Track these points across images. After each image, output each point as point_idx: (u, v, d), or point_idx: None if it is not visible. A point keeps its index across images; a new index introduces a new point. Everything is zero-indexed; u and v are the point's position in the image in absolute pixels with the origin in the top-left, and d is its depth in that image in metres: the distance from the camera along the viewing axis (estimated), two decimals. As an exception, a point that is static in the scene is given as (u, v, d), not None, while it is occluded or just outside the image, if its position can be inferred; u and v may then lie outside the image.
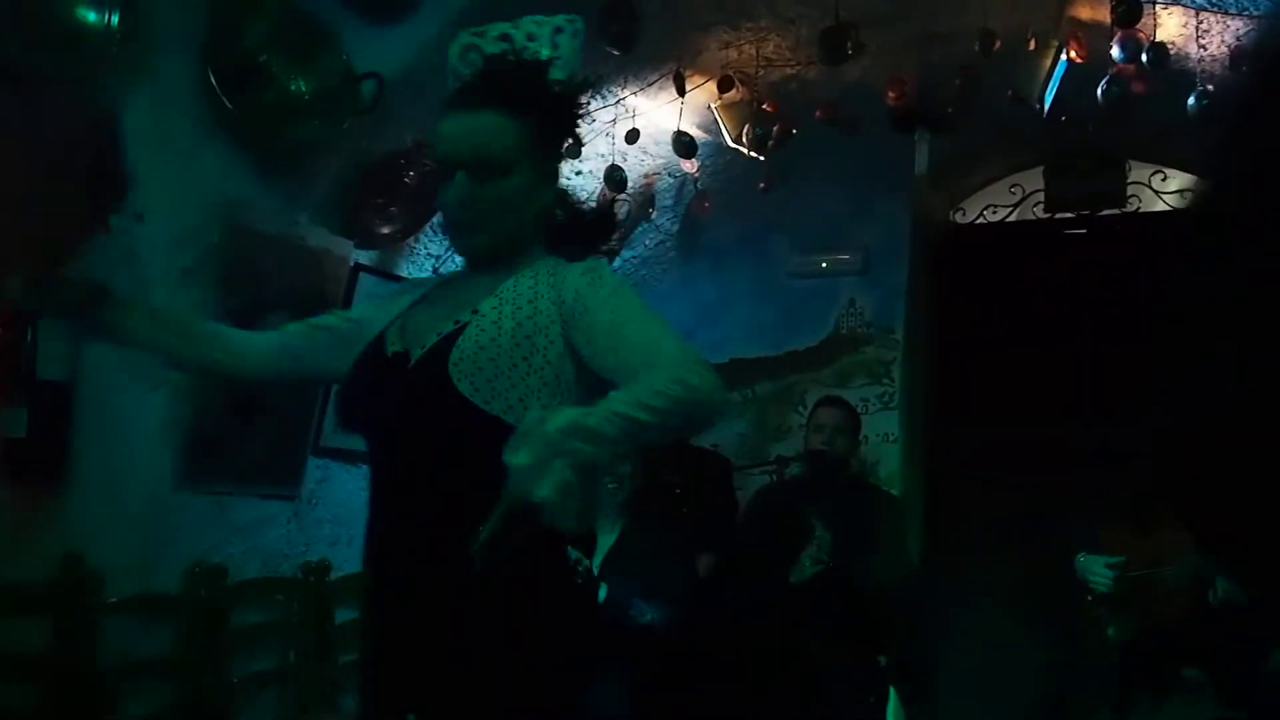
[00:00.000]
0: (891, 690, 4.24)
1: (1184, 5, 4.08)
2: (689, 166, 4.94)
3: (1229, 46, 4.17)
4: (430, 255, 4.41)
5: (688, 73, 4.47)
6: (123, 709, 3.26)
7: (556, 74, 1.94)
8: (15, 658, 2.98)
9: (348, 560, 4.16)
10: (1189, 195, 4.33)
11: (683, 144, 4.76)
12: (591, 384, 1.81)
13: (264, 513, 3.84)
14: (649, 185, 5.26)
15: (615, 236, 2.12)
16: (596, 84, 3.36)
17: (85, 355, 3.06)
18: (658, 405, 1.62)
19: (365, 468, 4.14)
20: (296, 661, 3.90)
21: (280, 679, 3.87)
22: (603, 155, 4.74)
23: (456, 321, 1.87)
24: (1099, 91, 4.11)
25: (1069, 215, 5.39)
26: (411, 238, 4.22)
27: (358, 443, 4.08)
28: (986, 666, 4.81)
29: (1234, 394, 1.02)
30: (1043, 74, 4.29)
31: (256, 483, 3.79)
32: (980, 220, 5.57)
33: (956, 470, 5.15)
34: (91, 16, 2.81)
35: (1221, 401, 1.04)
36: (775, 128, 4.51)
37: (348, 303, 3.78)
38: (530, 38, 1.96)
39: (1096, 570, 3.82)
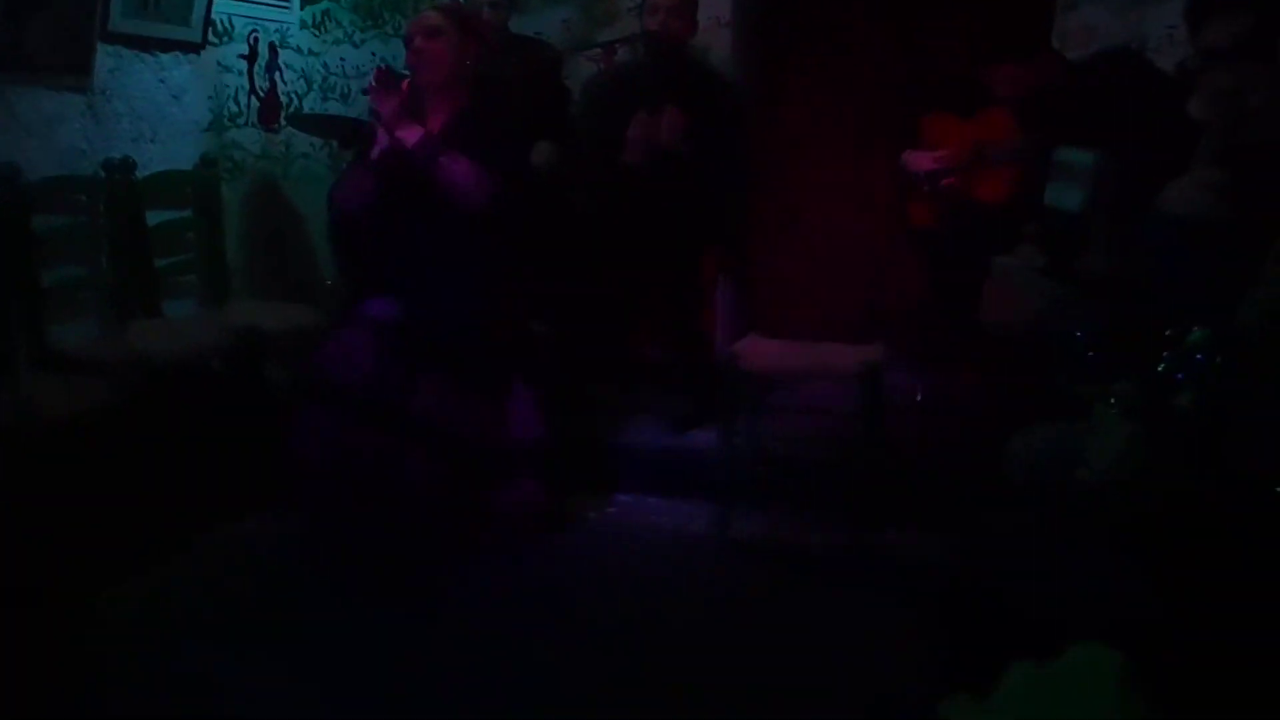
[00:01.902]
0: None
1: None
2: None
3: None
4: None
5: None
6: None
7: None
8: None
9: (152, 158, 3.87)
10: None
11: None
12: None
13: (55, 108, 3.47)
14: None
15: None
16: None
17: None
18: None
19: (161, 57, 3.83)
20: (110, 267, 3.69)
21: (94, 285, 3.66)
22: None
23: None
24: None
25: None
26: None
27: (152, 28, 3.75)
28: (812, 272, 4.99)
29: None
30: None
31: (39, 71, 3.39)
32: None
33: (790, 60, 5.06)
34: None
35: None
36: None
37: None
38: None
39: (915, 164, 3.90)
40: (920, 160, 3.93)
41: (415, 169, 3.20)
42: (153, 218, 3.83)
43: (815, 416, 3.66)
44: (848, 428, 3.38)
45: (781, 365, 3.57)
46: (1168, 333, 1.45)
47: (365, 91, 3.27)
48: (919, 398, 3.85)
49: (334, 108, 4.82)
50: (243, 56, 4.29)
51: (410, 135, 3.20)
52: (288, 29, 4.52)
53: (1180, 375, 1.38)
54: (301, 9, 4.58)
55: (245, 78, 4.32)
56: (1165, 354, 1.42)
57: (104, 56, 3.62)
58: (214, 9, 4.01)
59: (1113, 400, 1.45)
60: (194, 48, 4.01)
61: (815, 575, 3.23)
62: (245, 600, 2.98)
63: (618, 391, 4.27)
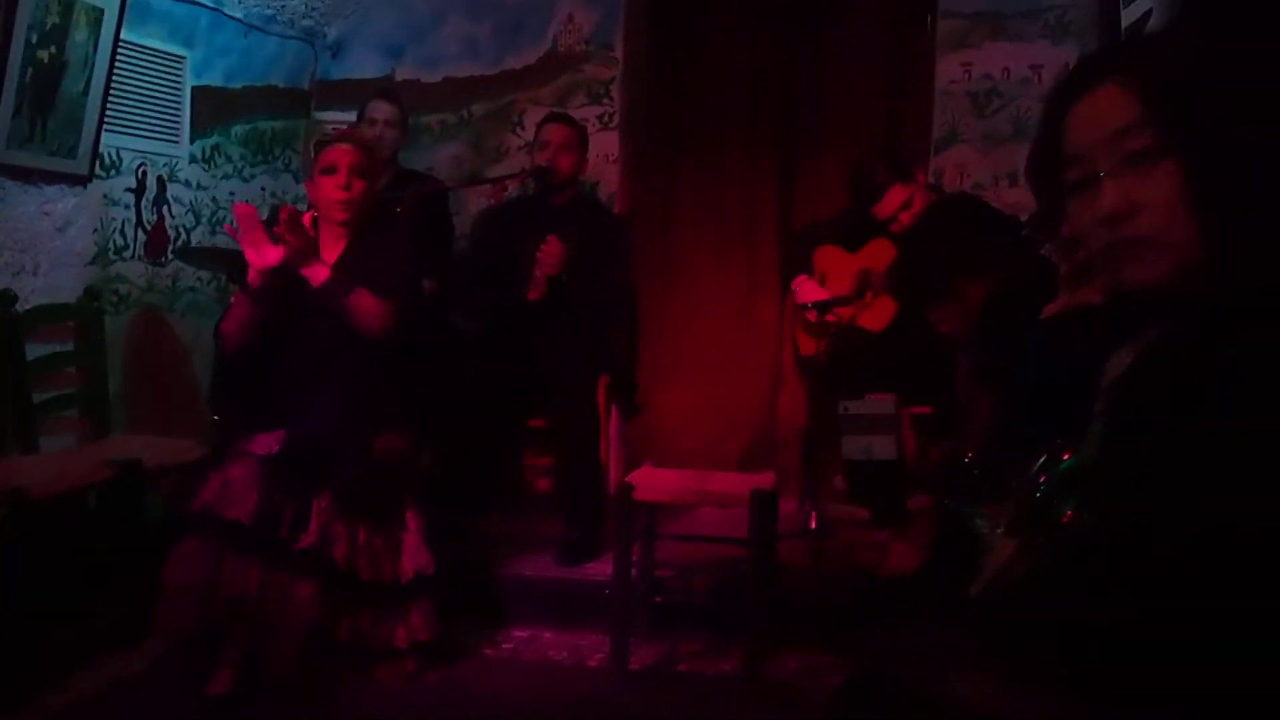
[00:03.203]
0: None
1: None
2: None
3: None
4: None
5: None
6: None
7: None
8: None
9: (34, 291, 3.80)
10: None
11: None
12: None
13: (-69, 238, 3.40)
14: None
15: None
16: None
17: None
18: None
19: (46, 189, 3.79)
20: (-14, 399, 3.58)
21: (-32, 419, 3.55)
22: None
23: None
24: None
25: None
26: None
27: (38, 159, 3.71)
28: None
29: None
30: None
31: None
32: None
33: (679, 190, 5.23)
34: None
35: None
36: None
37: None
38: None
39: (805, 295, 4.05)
40: (809, 290, 4.07)
41: (314, 302, 3.21)
42: (32, 350, 3.74)
43: (709, 545, 3.68)
44: (741, 554, 3.40)
45: (675, 494, 3.61)
46: (1041, 459, 1.51)
47: (246, 229, 3.18)
48: (812, 525, 3.91)
49: (222, 241, 4.80)
50: (130, 190, 4.27)
51: (317, 274, 3.22)
52: (177, 163, 4.52)
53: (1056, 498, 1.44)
54: (191, 143, 4.60)
55: (132, 211, 4.29)
56: (1041, 480, 1.49)
57: (-14, 188, 3.57)
58: (102, 142, 4.00)
59: (995, 521, 1.51)
60: (81, 180, 3.98)
61: (715, 702, 3.21)
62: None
63: (507, 522, 4.24)
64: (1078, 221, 1.28)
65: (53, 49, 3.67)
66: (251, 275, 3.21)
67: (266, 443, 3.15)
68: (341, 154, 3.37)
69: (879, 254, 4.00)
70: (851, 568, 3.61)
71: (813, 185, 5.02)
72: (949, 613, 1.42)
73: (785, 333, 4.85)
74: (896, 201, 3.89)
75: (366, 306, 3.25)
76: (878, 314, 3.96)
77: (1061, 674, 1.17)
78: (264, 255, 3.18)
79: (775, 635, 3.41)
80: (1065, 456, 1.49)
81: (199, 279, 4.65)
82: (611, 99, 5.06)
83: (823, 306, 3.99)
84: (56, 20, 3.66)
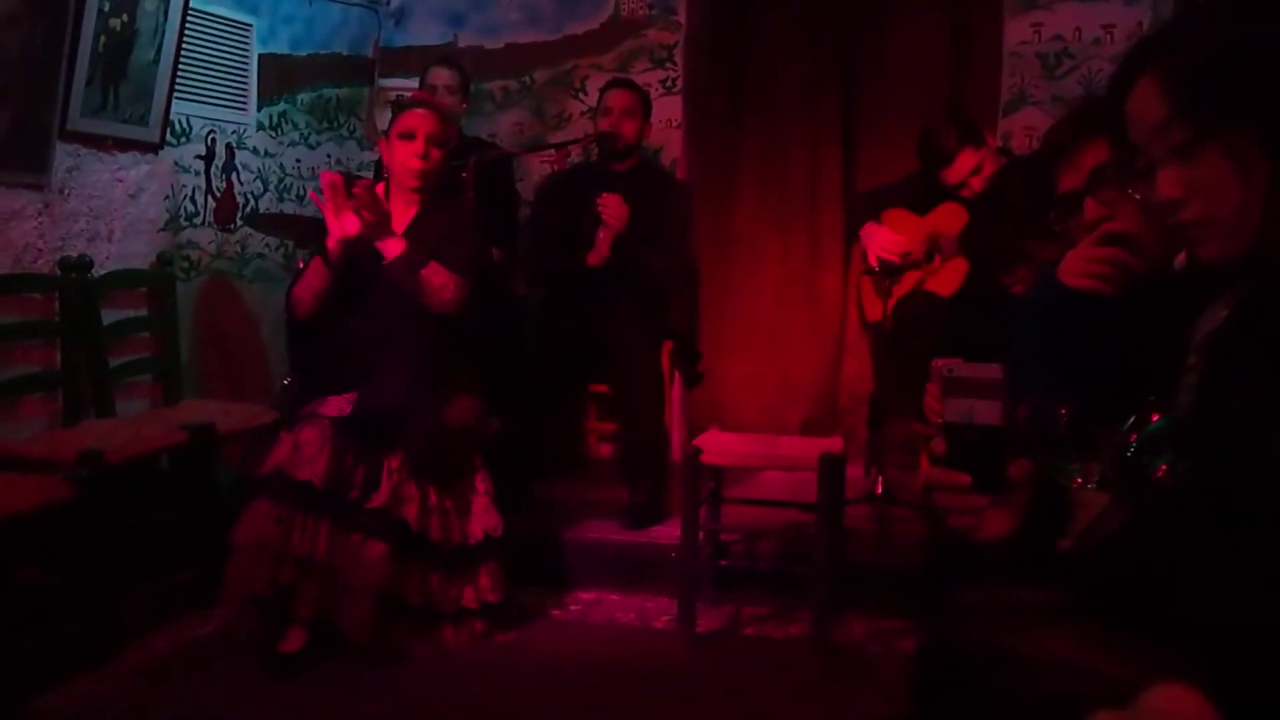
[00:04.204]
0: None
1: None
2: None
3: None
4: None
5: None
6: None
7: None
8: None
9: (108, 257, 3.86)
10: None
11: None
12: None
13: (11, 205, 3.46)
14: None
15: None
16: None
17: None
18: None
19: (119, 156, 3.84)
20: (64, 365, 3.64)
21: (47, 384, 3.61)
22: None
23: None
24: None
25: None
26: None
27: (110, 127, 3.76)
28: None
29: None
30: None
31: (-1, 169, 3.40)
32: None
33: (741, 156, 5.19)
34: None
35: None
36: None
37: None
38: None
39: (880, 243, 3.99)
40: (883, 238, 3.99)
41: (388, 274, 3.24)
42: (107, 316, 3.80)
43: (774, 510, 3.67)
44: (807, 519, 3.39)
45: (743, 457, 3.61)
46: (1130, 420, 1.49)
47: (331, 198, 3.20)
48: (878, 490, 3.89)
49: (289, 208, 4.85)
50: (200, 157, 4.32)
51: (391, 248, 3.24)
52: (245, 130, 4.56)
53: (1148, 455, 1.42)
54: (258, 111, 4.64)
55: (202, 178, 4.34)
56: (1131, 440, 1.47)
57: (62, 155, 3.62)
58: (172, 110, 4.05)
59: (1086, 477, 1.49)
60: (152, 148, 4.03)
61: (783, 666, 3.21)
62: (196, 697, 2.91)
63: (570, 487, 4.27)
64: (1145, 208, 1.35)
65: (124, 18, 3.71)
66: (331, 242, 3.24)
67: (338, 404, 3.19)
68: (420, 121, 3.37)
69: (948, 217, 3.95)
70: (918, 534, 3.59)
71: (877, 149, 4.96)
72: (1036, 573, 1.41)
73: (850, 298, 4.81)
74: (967, 167, 3.82)
75: (439, 282, 3.28)
76: (947, 278, 3.91)
77: (1152, 626, 1.16)
78: (345, 224, 3.20)
79: (842, 600, 3.40)
80: (1155, 418, 1.46)
81: (267, 245, 4.70)
82: (674, 64, 5.02)
83: (890, 269, 3.93)
84: (128, -13, 3.70)
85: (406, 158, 3.36)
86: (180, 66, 4.02)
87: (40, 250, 3.58)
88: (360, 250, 3.25)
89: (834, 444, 3.43)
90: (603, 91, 4.34)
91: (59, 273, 3.63)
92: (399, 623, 3.15)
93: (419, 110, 3.43)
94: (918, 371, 3.42)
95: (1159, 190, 1.28)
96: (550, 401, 4.13)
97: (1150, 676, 1.02)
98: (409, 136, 3.36)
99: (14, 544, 2.98)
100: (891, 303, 3.90)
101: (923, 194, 4.03)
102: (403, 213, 3.41)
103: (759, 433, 3.98)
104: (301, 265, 3.65)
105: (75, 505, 3.00)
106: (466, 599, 3.29)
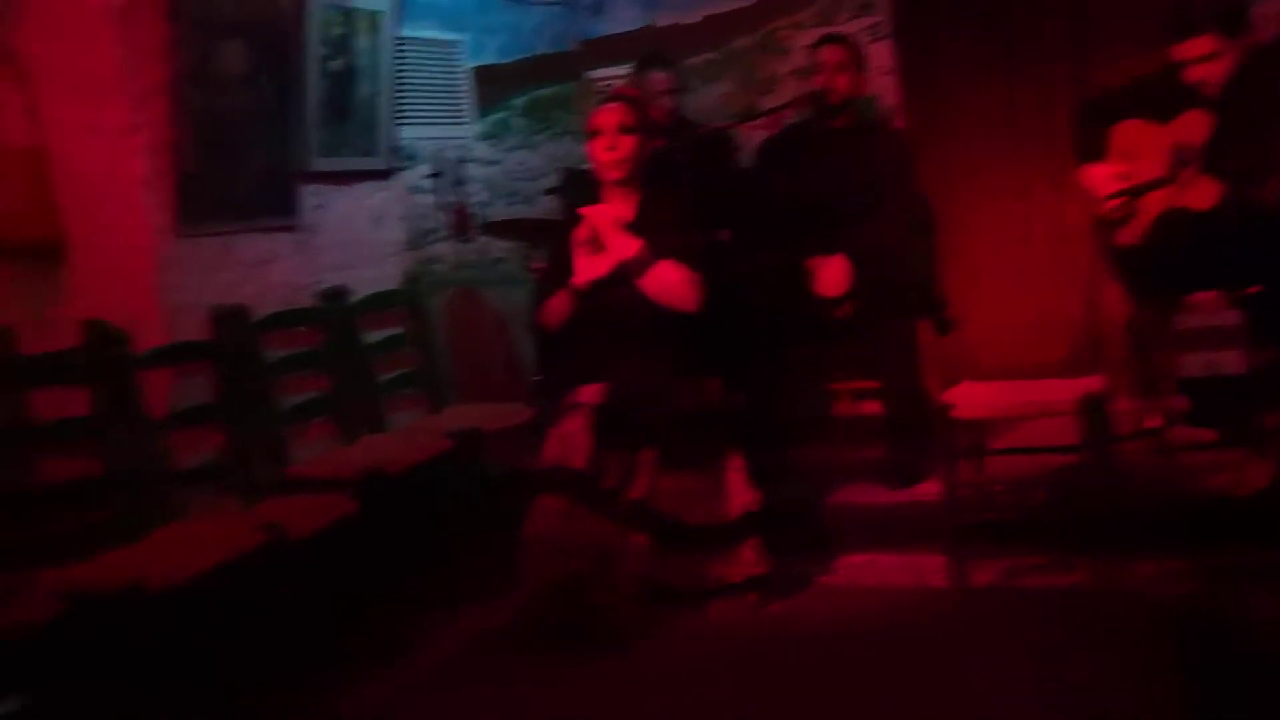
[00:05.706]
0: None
1: None
2: None
3: None
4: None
5: None
6: (174, 462, 3.28)
7: None
8: (65, 426, 2.96)
9: (359, 284, 4.10)
10: None
11: None
12: None
13: (271, 248, 3.73)
14: None
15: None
16: None
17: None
18: None
19: (357, 187, 4.06)
20: (336, 389, 3.90)
21: (324, 408, 3.87)
22: None
23: None
24: None
25: None
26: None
27: (346, 162, 3.98)
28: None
29: None
30: None
31: (252, 217, 3.65)
32: None
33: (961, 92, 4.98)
34: None
35: None
36: None
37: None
38: None
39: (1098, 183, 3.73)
40: (1101, 179, 3.74)
41: (626, 278, 3.32)
42: (368, 337, 4.04)
43: (1043, 456, 3.52)
44: (1076, 463, 3.25)
45: (995, 409, 3.49)
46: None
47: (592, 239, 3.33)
48: (1156, 423, 3.65)
49: (518, 210, 5.00)
50: (430, 176, 4.52)
51: (628, 247, 3.32)
52: (468, 143, 4.73)
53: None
54: (478, 122, 4.80)
55: (435, 195, 4.54)
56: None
57: (307, 195, 3.87)
58: (399, 136, 4.25)
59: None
60: (384, 175, 4.25)
61: (1065, 616, 3.09)
62: (491, 689, 3.06)
63: (824, 452, 4.22)
64: None
65: (342, 59, 3.92)
66: (579, 279, 3.34)
67: (592, 392, 3.30)
68: (604, 115, 3.43)
69: (1193, 125, 3.64)
70: (1197, 476, 3.37)
71: (1111, 63, 4.63)
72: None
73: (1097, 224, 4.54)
74: (1199, 50, 3.45)
75: (674, 279, 3.33)
76: (1203, 190, 3.61)
77: None
78: (595, 266, 3.30)
79: (1124, 542, 3.24)
80: None
81: (505, 249, 4.87)
82: (877, 8, 4.87)
83: (1130, 194, 3.66)
84: (340, 30, 3.90)
85: (599, 152, 3.42)
86: (399, 93, 4.21)
87: (300, 286, 3.84)
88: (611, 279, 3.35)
89: (1094, 383, 3.27)
90: (813, 48, 4.25)
91: (319, 304, 3.88)
92: (668, 606, 3.23)
93: (603, 108, 3.49)
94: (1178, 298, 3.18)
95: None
96: (791, 369, 4.08)
97: None
98: (597, 134, 3.42)
99: (312, 558, 3.21)
100: (1146, 222, 3.64)
101: (1164, 98, 3.70)
102: (621, 205, 3.45)
103: (1017, 377, 3.83)
104: (539, 266, 3.77)
105: (361, 517, 3.23)
106: (732, 575, 3.33)
